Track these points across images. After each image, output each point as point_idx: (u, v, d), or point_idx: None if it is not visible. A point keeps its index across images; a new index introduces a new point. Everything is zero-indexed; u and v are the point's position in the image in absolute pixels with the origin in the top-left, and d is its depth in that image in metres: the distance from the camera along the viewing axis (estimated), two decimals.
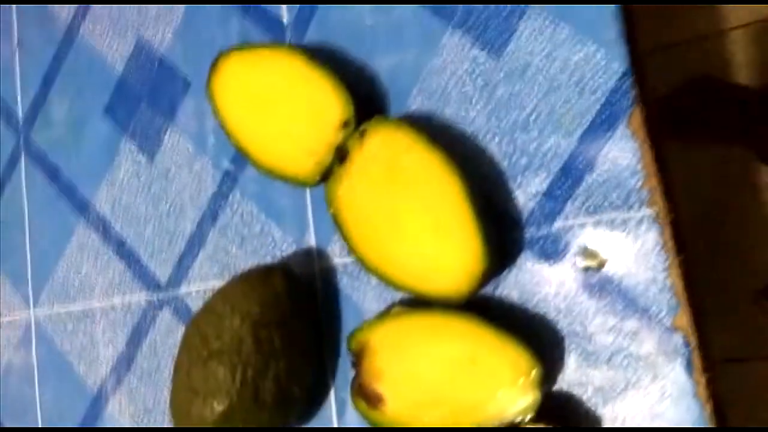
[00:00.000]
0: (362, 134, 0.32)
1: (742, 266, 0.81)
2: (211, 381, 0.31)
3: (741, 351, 0.80)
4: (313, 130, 0.34)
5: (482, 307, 0.33)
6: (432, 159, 0.31)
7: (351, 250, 0.33)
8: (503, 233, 0.32)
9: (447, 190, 0.30)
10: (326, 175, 0.34)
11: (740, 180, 0.83)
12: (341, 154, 0.33)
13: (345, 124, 0.33)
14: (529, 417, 0.28)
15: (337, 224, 0.33)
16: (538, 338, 0.31)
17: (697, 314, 0.29)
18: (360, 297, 0.37)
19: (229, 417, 0.31)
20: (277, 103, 0.36)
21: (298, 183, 0.35)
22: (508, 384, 0.28)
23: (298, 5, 0.40)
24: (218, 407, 0.30)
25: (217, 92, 0.38)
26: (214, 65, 0.38)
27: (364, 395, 0.32)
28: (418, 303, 0.32)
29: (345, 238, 0.33)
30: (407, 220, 0.31)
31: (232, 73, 0.38)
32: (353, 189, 0.33)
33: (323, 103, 0.34)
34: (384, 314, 0.32)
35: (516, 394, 0.28)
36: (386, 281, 0.32)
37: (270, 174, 0.36)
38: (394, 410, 0.31)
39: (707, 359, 0.29)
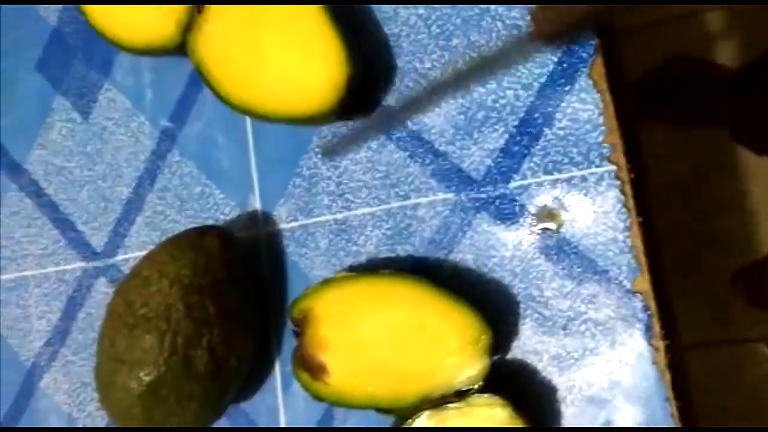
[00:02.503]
0: None
1: (718, 249, 0.81)
2: (137, 350, 0.28)
3: (714, 334, 0.80)
4: None
5: (435, 271, 0.31)
6: None
7: (218, 94, 0.32)
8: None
9: (304, 11, 0.30)
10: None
11: (716, 161, 0.83)
12: (198, 5, 0.32)
13: None
14: (477, 386, 0.26)
15: (202, 75, 0.33)
16: (493, 304, 0.30)
17: (659, 280, 0.27)
18: (307, 264, 0.34)
19: (157, 388, 0.28)
20: None
21: (160, 49, 0.34)
22: (456, 351, 0.26)
23: None
24: (145, 377, 0.28)
25: None
26: None
27: (307, 366, 0.29)
28: (364, 269, 0.30)
29: (210, 85, 0.32)
30: (269, 49, 0.31)
31: None
32: (213, 33, 0.32)
33: None
34: (329, 281, 0.30)
35: (464, 362, 0.26)
36: (256, 114, 0.32)
37: (135, 50, 0.35)
38: (338, 380, 0.29)
39: (669, 327, 0.27)
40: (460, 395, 0.26)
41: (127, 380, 0.28)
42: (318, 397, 0.29)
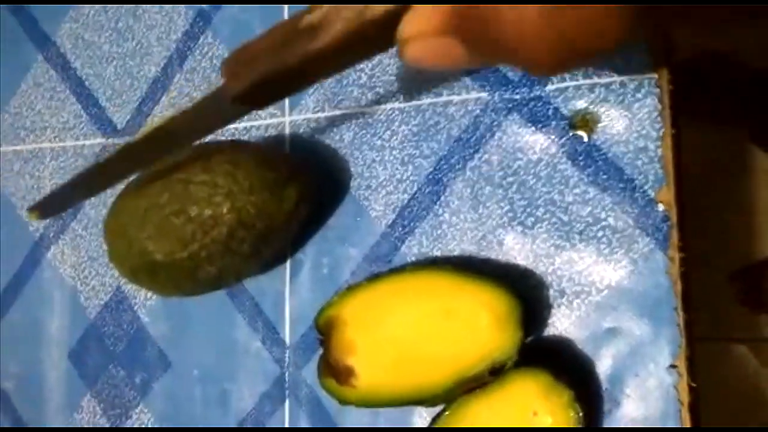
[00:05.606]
0: None
1: (718, 247, 0.81)
2: (163, 234, 0.28)
3: (703, 331, 0.80)
4: None
5: (456, 170, 0.31)
6: None
7: None
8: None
9: None
10: None
11: (730, 160, 0.82)
12: None
13: None
14: (511, 361, 0.26)
15: None
16: (510, 207, 0.30)
17: (681, 194, 0.27)
18: (329, 153, 0.34)
19: (154, 268, 0.29)
20: None
21: None
22: (486, 328, 0.26)
23: None
24: (155, 254, 0.28)
25: None
26: None
27: (334, 372, 0.29)
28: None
29: None
30: None
31: None
32: None
33: None
34: (353, 287, 0.30)
35: (495, 337, 0.26)
36: None
37: None
38: (366, 381, 0.28)
39: (684, 241, 0.27)
40: (495, 373, 0.26)
41: (137, 238, 0.29)
42: (346, 402, 0.29)
